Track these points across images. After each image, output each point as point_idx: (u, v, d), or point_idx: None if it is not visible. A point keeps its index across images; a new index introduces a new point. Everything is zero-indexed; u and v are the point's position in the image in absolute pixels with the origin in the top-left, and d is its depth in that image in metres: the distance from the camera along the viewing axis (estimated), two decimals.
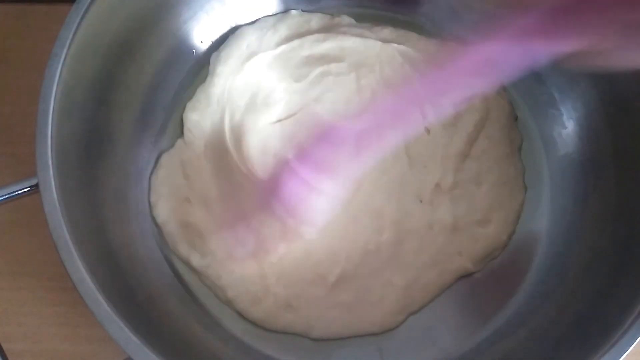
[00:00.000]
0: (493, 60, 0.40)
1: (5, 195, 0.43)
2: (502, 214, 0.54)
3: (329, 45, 0.58)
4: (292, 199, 0.44)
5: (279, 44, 0.58)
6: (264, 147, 0.54)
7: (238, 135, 0.55)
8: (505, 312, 0.51)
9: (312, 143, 0.44)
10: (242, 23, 0.60)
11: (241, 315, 0.51)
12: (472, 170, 0.55)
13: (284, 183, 0.44)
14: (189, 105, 0.56)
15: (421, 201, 0.53)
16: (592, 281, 0.47)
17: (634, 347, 0.39)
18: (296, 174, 0.43)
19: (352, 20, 0.61)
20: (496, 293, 0.52)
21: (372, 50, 0.58)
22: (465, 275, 0.52)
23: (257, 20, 0.60)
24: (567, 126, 0.55)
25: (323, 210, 0.46)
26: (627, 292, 0.42)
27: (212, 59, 0.58)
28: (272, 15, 0.61)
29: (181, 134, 0.56)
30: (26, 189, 0.43)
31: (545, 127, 0.57)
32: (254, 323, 0.51)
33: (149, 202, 0.53)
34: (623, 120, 0.49)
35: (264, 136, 0.55)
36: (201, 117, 0.56)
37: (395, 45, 0.58)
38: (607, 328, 0.40)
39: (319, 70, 0.57)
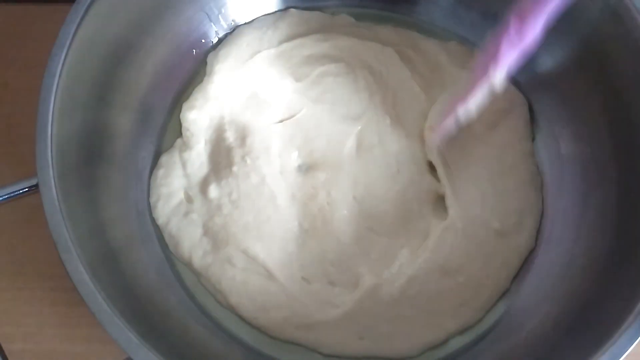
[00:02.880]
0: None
1: (5, 195, 0.43)
2: (532, 219, 0.54)
3: (330, 45, 0.58)
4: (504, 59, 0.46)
5: (281, 42, 0.58)
6: (267, 147, 0.54)
7: (242, 134, 0.55)
8: (506, 313, 0.51)
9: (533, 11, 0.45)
10: (242, 22, 0.60)
11: (243, 320, 0.51)
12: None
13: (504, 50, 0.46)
14: (186, 105, 0.56)
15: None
16: (592, 281, 0.47)
17: (634, 347, 0.39)
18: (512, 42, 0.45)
19: (352, 20, 0.61)
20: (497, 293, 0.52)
21: (372, 51, 0.58)
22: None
23: (255, 19, 0.60)
24: (568, 126, 0.55)
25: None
26: (627, 292, 0.42)
27: (209, 59, 0.58)
28: (270, 14, 0.61)
29: (181, 134, 0.56)
30: (26, 189, 0.43)
31: (546, 128, 0.56)
32: (257, 328, 0.51)
33: (149, 203, 0.54)
34: (623, 119, 0.49)
35: (267, 136, 0.55)
36: (199, 115, 0.56)
37: (396, 47, 0.58)
38: (607, 328, 0.40)
39: (319, 70, 0.57)
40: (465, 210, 0.52)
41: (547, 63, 0.55)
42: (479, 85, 0.48)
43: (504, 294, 0.52)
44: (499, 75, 0.47)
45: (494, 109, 0.54)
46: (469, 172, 0.54)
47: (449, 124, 0.52)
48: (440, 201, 0.54)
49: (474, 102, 0.49)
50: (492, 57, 0.46)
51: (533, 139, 0.57)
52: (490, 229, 0.52)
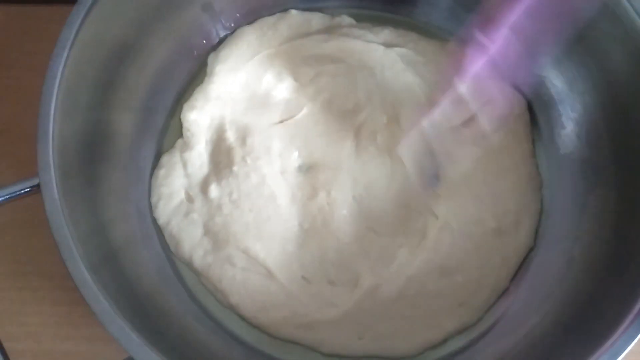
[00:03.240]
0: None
1: (7, 195, 0.43)
2: (530, 219, 0.54)
3: (331, 46, 0.58)
4: (478, 80, 0.41)
5: (281, 43, 0.59)
6: (267, 147, 0.54)
7: (242, 134, 0.55)
8: (505, 312, 0.51)
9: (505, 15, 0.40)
10: (243, 23, 0.60)
11: (244, 319, 0.51)
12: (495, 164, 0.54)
13: (471, 60, 0.41)
14: (187, 105, 0.56)
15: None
16: (591, 281, 0.47)
17: (633, 346, 0.39)
18: (484, 49, 0.40)
19: (352, 21, 0.61)
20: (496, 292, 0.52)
21: (373, 53, 0.58)
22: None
23: (256, 20, 0.60)
24: (566, 126, 0.55)
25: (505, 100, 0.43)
26: (626, 292, 0.42)
27: (210, 59, 0.58)
28: (271, 15, 0.61)
29: (182, 134, 0.56)
30: (28, 189, 0.43)
31: (545, 128, 0.57)
32: (257, 328, 0.51)
33: (150, 203, 0.54)
34: (622, 120, 0.49)
35: (267, 136, 0.55)
36: (199, 115, 0.56)
37: (397, 49, 0.58)
38: (606, 327, 0.40)
39: (319, 70, 0.58)
40: (456, 210, 0.52)
41: (545, 62, 0.55)
42: (443, 95, 0.45)
43: (503, 293, 0.52)
44: (463, 84, 0.43)
45: (495, 115, 0.54)
46: (462, 175, 0.54)
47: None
48: None
49: (440, 113, 0.46)
50: (457, 64, 0.42)
51: (533, 140, 0.57)
52: (487, 227, 0.52)
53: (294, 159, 0.55)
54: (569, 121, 0.55)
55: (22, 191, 0.43)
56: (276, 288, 0.51)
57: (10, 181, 0.43)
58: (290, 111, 0.56)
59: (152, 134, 0.55)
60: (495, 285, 0.52)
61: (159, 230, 0.53)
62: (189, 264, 0.52)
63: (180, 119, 0.56)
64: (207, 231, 0.52)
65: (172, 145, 0.56)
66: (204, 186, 0.54)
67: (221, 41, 0.59)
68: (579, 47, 0.52)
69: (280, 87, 0.57)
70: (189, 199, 0.54)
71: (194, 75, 0.59)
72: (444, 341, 0.51)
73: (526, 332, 0.48)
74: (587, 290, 0.47)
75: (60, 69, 0.44)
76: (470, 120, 0.54)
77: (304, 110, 0.56)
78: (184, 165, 0.55)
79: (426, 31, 0.61)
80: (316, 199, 0.53)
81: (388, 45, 0.58)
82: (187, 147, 0.55)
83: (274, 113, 0.56)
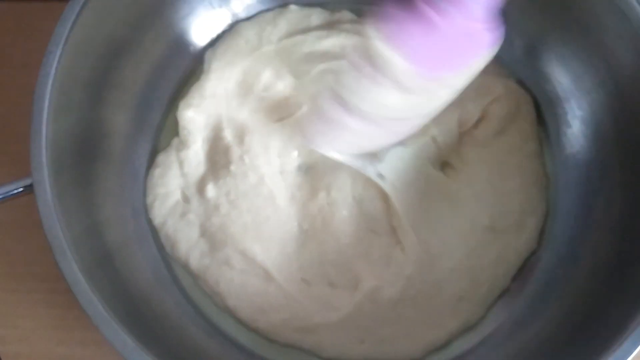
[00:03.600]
0: None
1: None
2: (534, 220, 0.53)
3: (331, 42, 0.57)
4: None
5: (280, 39, 0.58)
6: (266, 146, 0.54)
7: (240, 132, 0.54)
8: (509, 315, 0.51)
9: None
10: (241, 19, 0.60)
11: (241, 322, 0.51)
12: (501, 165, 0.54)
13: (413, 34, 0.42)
14: (183, 103, 0.56)
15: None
16: (597, 283, 0.47)
17: (639, 350, 0.38)
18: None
19: (353, 16, 0.60)
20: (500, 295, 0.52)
21: None
22: None
23: (254, 15, 0.60)
24: (572, 125, 0.55)
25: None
26: (632, 295, 0.42)
27: (206, 56, 0.58)
28: (270, 10, 0.60)
29: (178, 132, 0.55)
30: (20, 189, 0.43)
31: (551, 127, 0.56)
32: (255, 331, 0.50)
33: (145, 204, 0.53)
34: (629, 118, 0.49)
35: (266, 134, 0.54)
36: (196, 113, 0.55)
37: None
38: (611, 331, 0.40)
39: (320, 67, 0.57)
40: (455, 209, 0.52)
41: (551, 60, 0.55)
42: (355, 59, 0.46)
43: (504, 292, 0.51)
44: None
45: (502, 115, 0.54)
46: (465, 173, 0.53)
47: None
48: None
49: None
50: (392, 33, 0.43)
51: (540, 139, 0.56)
52: (478, 225, 0.52)
53: (293, 158, 0.54)
54: (575, 119, 0.55)
55: (15, 191, 0.43)
56: (275, 290, 0.50)
57: (3, 181, 0.43)
58: (289, 109, 0.56)
59: (148, 133, 0.55)
60: (492, 281, 0.51)
61: (154, 231, 0.53)
62: (186, 266, 0.52)
63: (176, 117, 0.55)
64: (204, 232, 0.52)
65: (167, 144, 0.55)
66: (201, 186, 0.53)
67: (218, 37, 0.59)
68: (585, 44, 0.52)
69: (279, 85, 0.56)
70: (185, 199, 0.53)
71: (191, 72, 0.58)
72: (448, 342, 0.50)
73: (531, 335, 0.47)
74: (594, 293, 0.46)
75: (54, 66, 0.44)
76: (478, 121, 0.54)
77: (304, 108, 0.55)
78: (180, 165, 0.54)
79: None
80: (316, 199, 0.52)
81: None
82: (183, 145, 0.55)
83: (272, 111, 0.56)
